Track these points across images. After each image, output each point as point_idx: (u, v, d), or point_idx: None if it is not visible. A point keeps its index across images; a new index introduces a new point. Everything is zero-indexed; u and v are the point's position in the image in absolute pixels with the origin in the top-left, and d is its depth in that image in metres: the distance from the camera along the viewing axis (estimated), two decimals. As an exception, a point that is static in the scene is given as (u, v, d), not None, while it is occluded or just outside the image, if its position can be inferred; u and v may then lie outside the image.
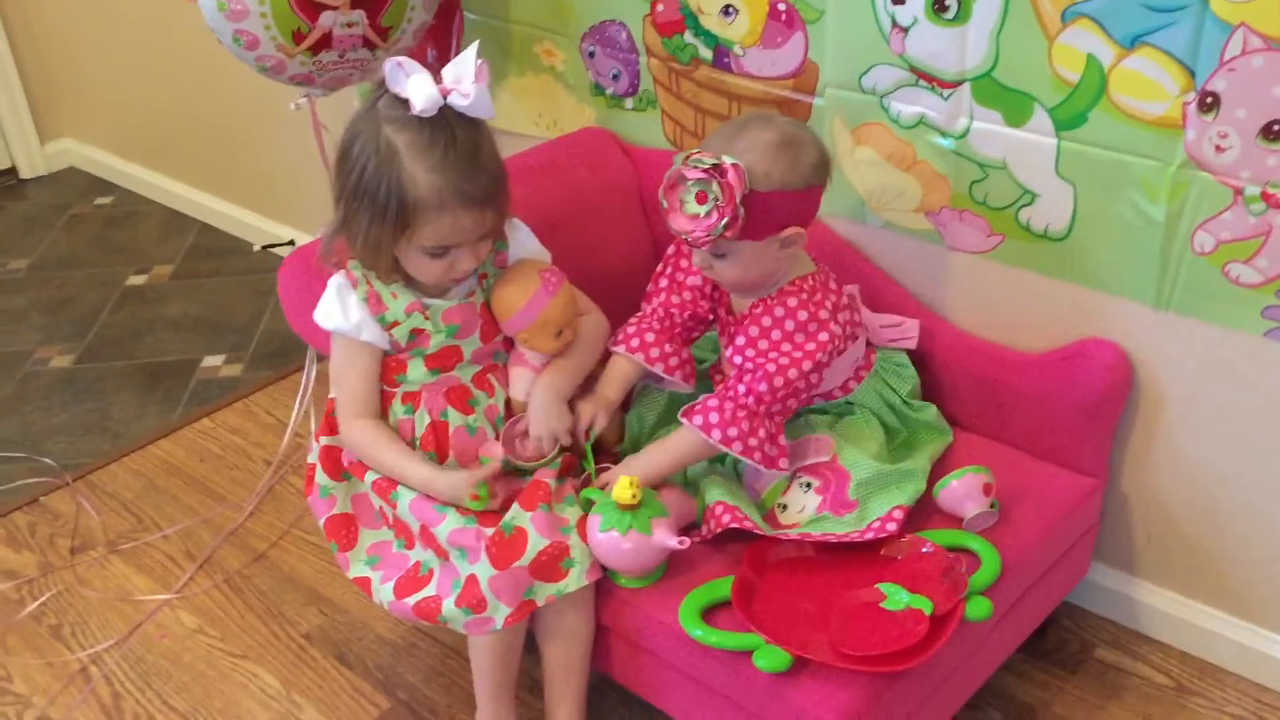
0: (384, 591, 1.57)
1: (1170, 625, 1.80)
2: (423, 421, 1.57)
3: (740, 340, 1.53)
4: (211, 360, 2.67)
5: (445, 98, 1.40)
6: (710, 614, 1.44)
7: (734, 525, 1.49)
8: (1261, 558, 1.67)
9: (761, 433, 1.51)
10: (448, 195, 1.40)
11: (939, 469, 1.62)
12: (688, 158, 1.47)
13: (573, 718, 1.60)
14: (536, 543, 1.46)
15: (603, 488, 1.54)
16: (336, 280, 1.54)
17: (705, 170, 1.44)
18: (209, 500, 2.24)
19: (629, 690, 1.61)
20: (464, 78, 1.41)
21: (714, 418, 1.51)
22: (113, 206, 3.42)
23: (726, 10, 1.81)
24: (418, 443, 1.56)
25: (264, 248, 2.98)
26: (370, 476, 1.57)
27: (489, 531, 1.47)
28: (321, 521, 1.63)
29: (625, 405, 1.74)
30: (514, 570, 1.45)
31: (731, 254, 1.51)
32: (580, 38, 2.03)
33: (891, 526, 1.48)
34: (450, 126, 1.41)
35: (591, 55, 2.03)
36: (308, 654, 1.90)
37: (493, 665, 1.59)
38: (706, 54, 1.87)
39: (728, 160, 1.44)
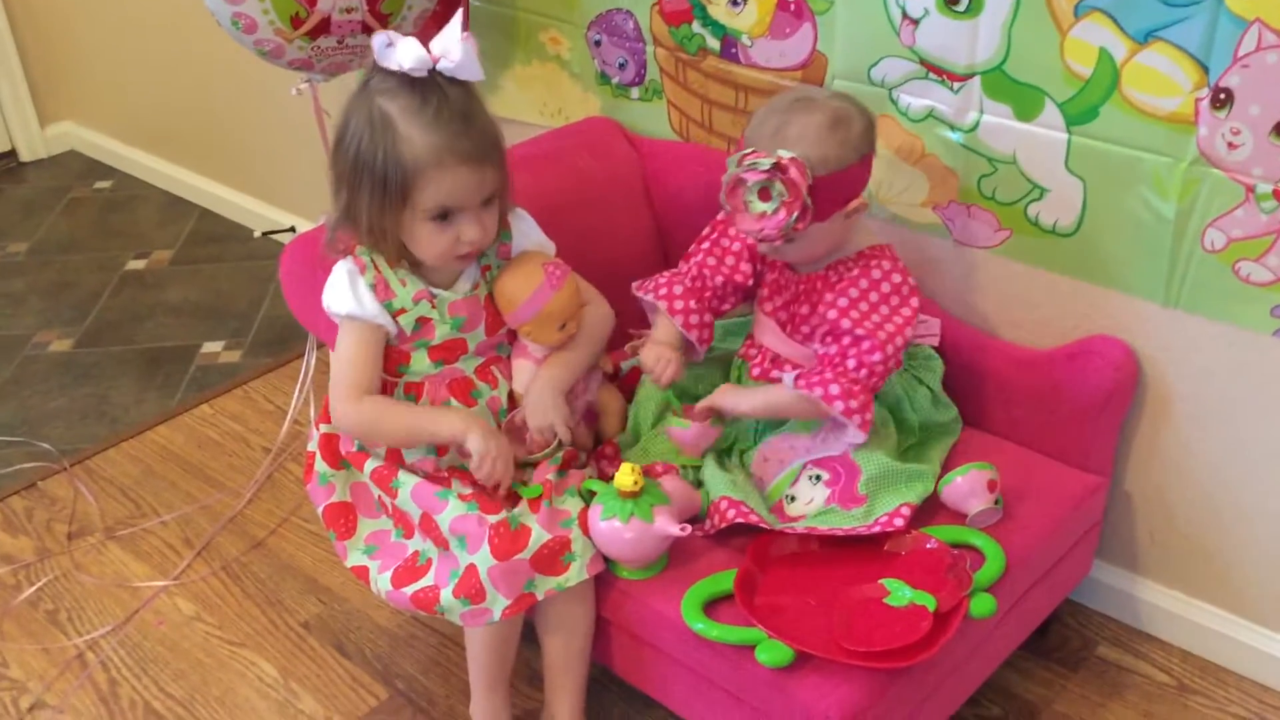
0: (382, 581, 1.56)
1: (1173, 624, 1.79)
2: None
3: (843, 301, 1.53)
4: (211, 346, 2.66)
5: (435, 65, 1.40)
6: (713, 607, 1.44)
7: (739, 520, 1.48)
8: (1265, 558, 1.66)
9: (864, 399, 1.52)
10: (445, 152, 1.40)
11: (944, 465, 1.61)
12: (742, 159, 1.46)
13: (573, 710, 1.59)
14: (539, 536, 1.45)
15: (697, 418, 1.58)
16: (345, 265, 1.52)
17: (765, 171, 1.44)
18: (207, 487, 2.23)
19: (629, 683, 1.60)
20: (451, 45, 1.40)
21: (834, 389, 1.50)
22: (112, 190, 3.41)
23: (735, 0, 1.80)
24: (415, 438, 1.55)
25: (264, 234, 2.96)
26: (370, 466, 1.56)
27: (491, 520, 1.46)
28: (320, 509, 1.62)
29: (627, 396, 1.73)
30: (514, 562, 1.44)
31: (800, 237, 1.51)
32: (586, 26, 2.01)
33: (899, 522, 1.47)
34: (441, 88, 1.41)
35: (598, 44, 2.02)
36: (306, 643, 1.89)
37: (488, 656, 1.58)
38: (714, 44, 1.86)
39: (785, 155, 1.44)
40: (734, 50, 1.84)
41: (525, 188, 1.71)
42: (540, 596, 1.47)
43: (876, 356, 1.50)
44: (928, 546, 1.46)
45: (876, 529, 1.47)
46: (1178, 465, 1.68)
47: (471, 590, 1.45)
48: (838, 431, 1.56)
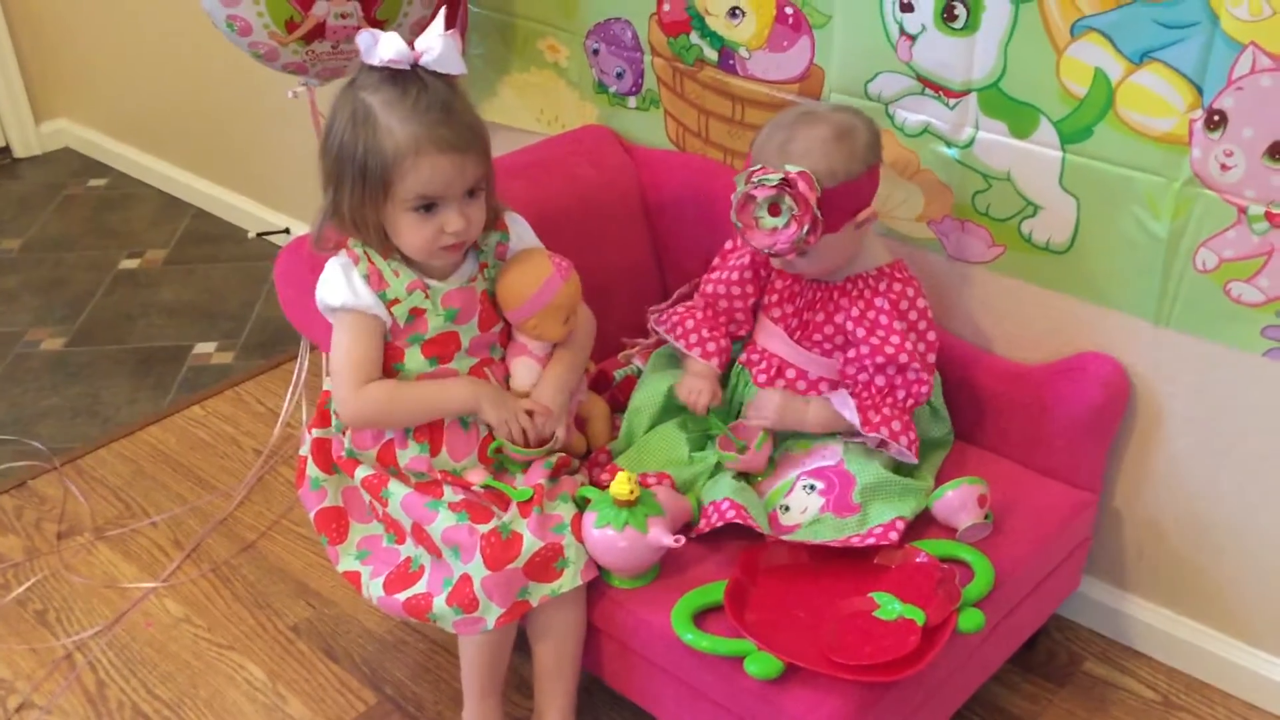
0: (373, 586, 1.56)
1: (1159, 640, 1.80)
2: None
3: (895, 338, 1.55)
4: (204, 347, 2.66)
5: (417, 60, 1.42)
6: (703, 618, 1.44)
7: (737, 520, 1.49)
8: (1253, 576, 1.67)
9: (915, 431, 1.58)
10: (424, 141, 1.40)
11: (935, 479, 1.62)
12: (749, 176, 1.48)
13: (563, 717, 1.59)
14: (531, 544, 1.46)
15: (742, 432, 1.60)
16: (338, 259, 1.52)
17: (773, 187, 1.45)
18: (198, 488, 2.23)
19: (619, 693, 1.60)
20: (433, 39, 1.42)
21: (896, 425, 1.55)
22: (107, 188, 3.40)
23: (733, 12, 1.81)
24: (410, 433, 1.55)
25: (259, 235, 2.97)
26: (360, 473, 1.56)
27: (482, 529, 1.46)
28: (312, 514, 1.62)
29: (618, 405, 1.74)
30: (508, 571, 1.44)
31: (812, 251, 1.53)
32: (585, 34, 2.02)
33: (893, 536, 1.48)
34: (422, 80, 1.42)
35: (595, 53, 2.03)
36: (295, 646, 1.89)
37: (482, 664, 1.58)
38: (712, 55, 1.87)
39: (793, 170, 1.45)
40: (732, 62, 1.85)
41: (521, 195, 1.72)
42: (534, 603, 1.47)
43: (925, 389, 1.57)
44: (917, 560, 1.47)
45: (871, 540, 1.48)
46: (1167, 483, 1.69)
47: (465, 599, 1.45)
48: (833, 446, 1.58)
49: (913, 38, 1.61)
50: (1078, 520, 1.66)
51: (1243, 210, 1.44)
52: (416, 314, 1.52)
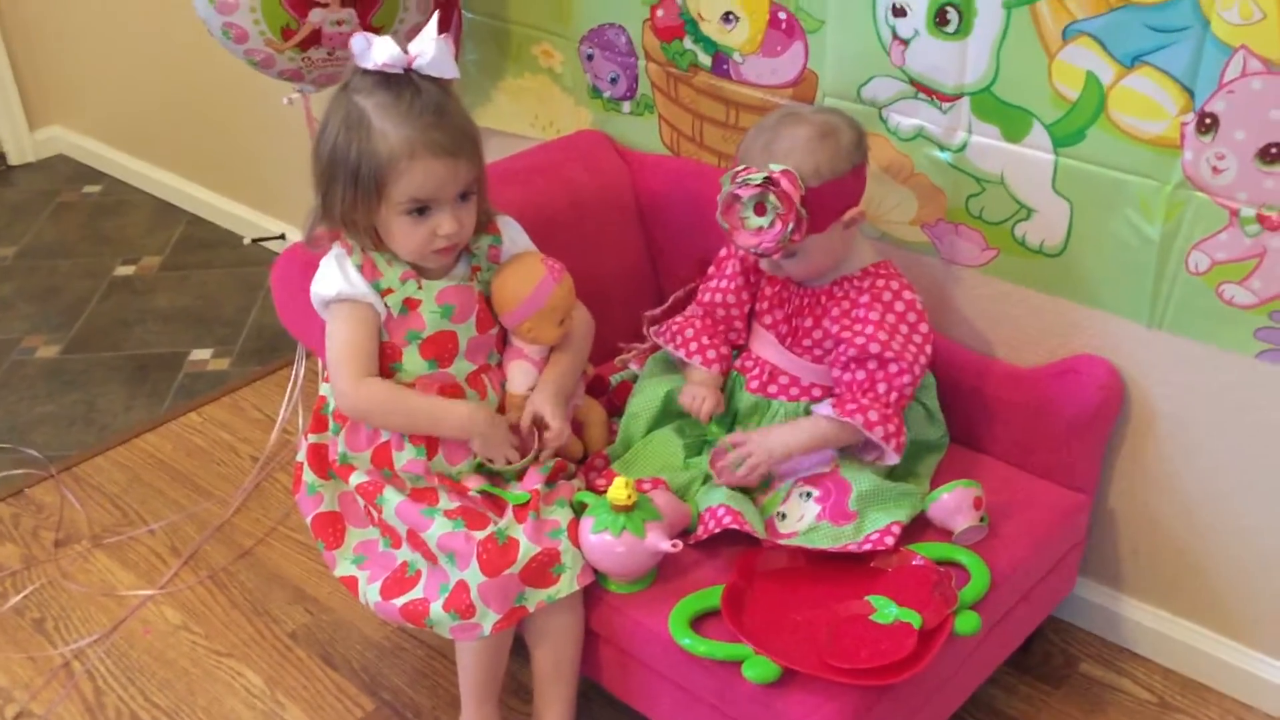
0: (371, 592, 1.56)
1: (1155, 641, 1.80)
2: None
3: (868, 328, 1.54)
4: (199, 353, 2.66)
5: (411, 64, 1.43)
6: (700, 623, 1.44)
7: (734, 526, 1.49)
8: (1247, 576, 1.67)
9: (898, 422, 1.55)
10: (417, 144, 1.41)
11: (930, 481, 1.63)
12: (734, 176, 1.49)
13: (561, 721, 1.60)
14: (528, 550, 1.46)
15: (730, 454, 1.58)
16: (332, 252, 1.53)
17: (758, 186, 1.46)
18: (195, 495, 2.23)
19: (616, 697, 1.60)
20: (426, 43, 1.43)
21: (873, 415, 1.53)
22: (102, 195, 3.40)
23: (727, 17, 1.81)
24: (407, 436, 1.55)
25: (254, 241, 2.97)
26: (355, 479, 1.56)
27: (478, 535, 1.46)
28: (309, 519, 1.62)
29: (617, 410, 1.74)
30: (504, 577, 1.45)
31: (801, 251, 1.54)
32: (579, 40, 2.03)
33: (889, 540, 1.48)
34: (415, 84, 1.43)
35: (590, 58, 2.03)
36: (293, 653, 1.89)
37: (479, 669, 1.59)
38: (705, 60, 1.87)
39: (776, 169, 1.46)
40: (725, 67, 1.85)
41: (516, 199, 1.73)
42: (531, 609, 1.47)
43: (906, 379, 1.54)
44: (913, 563, 1.47)
45: (868, 547, 1.48)
46: (1161, 484, 1.70)
47: (462, 605, 1.46)
48: (828, 452, 1.58)
49: (905, 42, 1.62)
50: (1073, 522, 1.67)
51: (1234, 213, 1.45)
52: (410, 305, 1.52)
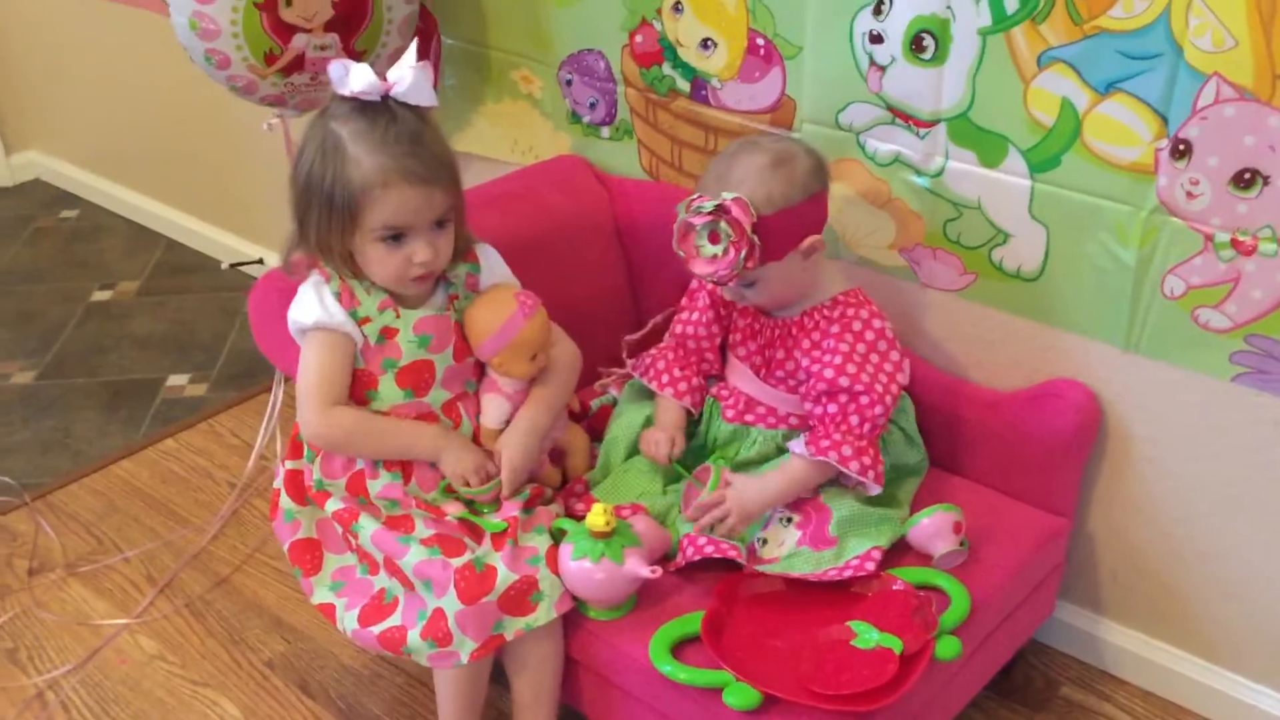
0: (348, 619, 1.55)
1: (1135, 664, 1.81)
2: None
3: (836, 359, 1.54)
4: (176, 379, 2.64)
5: (388, 91, 1.43)
6: (680, 649, 1.44)
7: (716, 555, 1.49)
8: (1225, 600, 1.68)
9: (874, 453, 1.54)
10: (391, 172, 1.41)
11: (910, 506, 1.63)
12: (689, 205, 1.49)
13: (541, 750, 1.59)
14: (506, 577, 1.45)
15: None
16: (310, 280, 1.53)
17: (710, 213, 1.46)
18: (171, 523, 2.21)
19: (596, 724, 1.60)
20: (404, 71, 1.43)
21: (846, 450, 1.52)
22: (78, 220, 3.38)
23: (705, 43, 1.82)
24: (380, 463, 1.55)
25: (232, 265, 2.95)
26: (331, 506, 1.55)
27: (455, 563, 1.45)
28: (286, 546, 1.61)
29: (597, 435, 1.74)
30: (482, 605, 1.44)
31: (760, 280, 1.54)
32: (558, 66, 2.03)
33: (870, 566, 1.48)
34: (392, 111, 1.43)
35: (569, 83, 2.04)
36: (270, 682, 1.88)
37: (458, 697, 1.58)
38: (684, 86, 1.88)
39: (728, 197, 1.46)
40: (704, 92, 1.86)
41: (495, 225, 1.73)
42: (509, 637, 1.46)
43: (878, 410, 1.53)
44: (894, 588, 1.47)
45: (848, 573, 1.48)
46: (1139, 507, 1.70)
47: (439, 633, 1.45)
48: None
49: (882, 69, 1.63)
50: (1052, 545, 1.67)
51: (1209, 238, 1.46)
52: (388, 335, 1.52)
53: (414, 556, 1.48)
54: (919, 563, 1.55)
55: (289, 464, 1.61)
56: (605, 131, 2.03)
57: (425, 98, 1.45)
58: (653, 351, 1.73)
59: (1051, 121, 1.52)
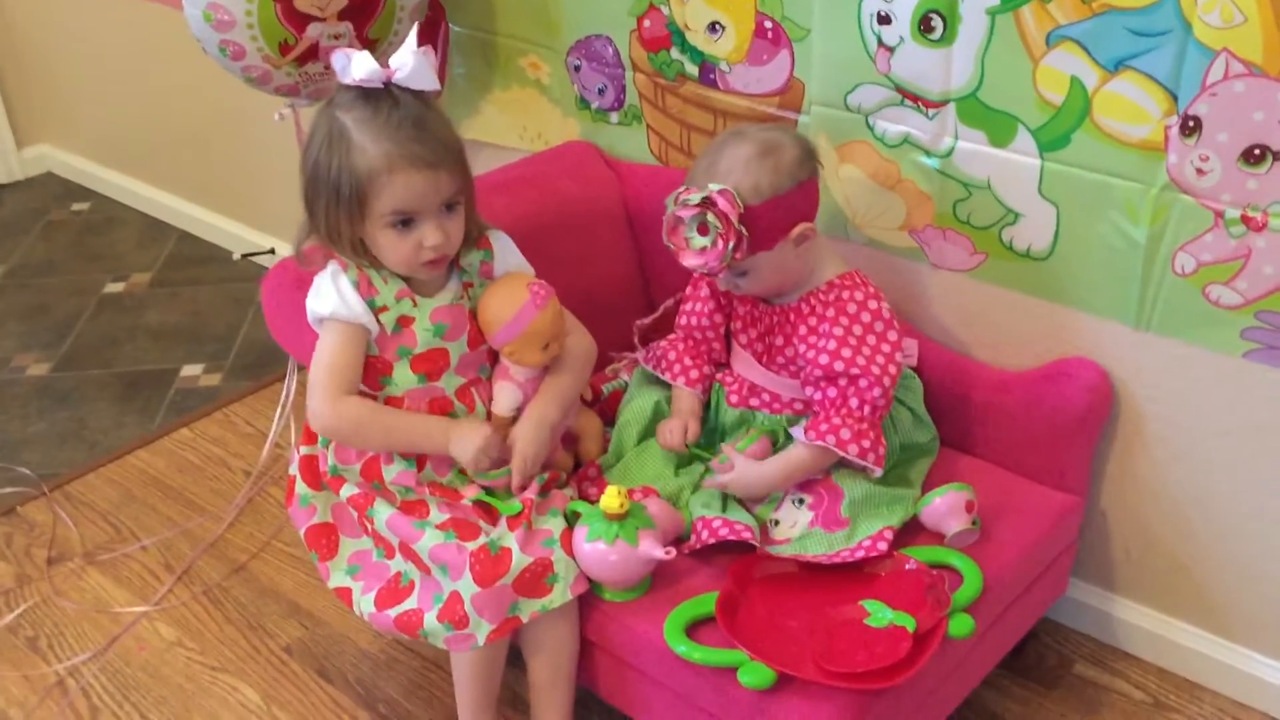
0: (365, 603, 1.56)
1: (1148, 641, 1.81)
2: None
3: (830, 344, 1.54)
4: (190, 369, 2.66)
5: (391, 77, 1.44)
6: (695, 629, 1.45)
7: (731, 537, 1.50)
8: (1239, 575, 1.68)
9: (874, 435, 1.54)
10: (396, 158, 1.42)
11: (922, 485, 1.63)
12: (677, 198, 1.50)
13: (558, 731, 1.60)
14: (520, 560, 1.46)
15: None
16: (328, 269, 1.54)
17: (696, 206, 1.47)
18: (188, 511, 2.23)
19: (613, 706, 1.60)
20: (405, 56, 1.44)
21: (845, 434, 1.52)
22: (90, 213, 3.40)
23: (713, 27, 1.82)
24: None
25: (244, 256, 2.97)
26: (346, 491, 1.56)
27: (470, 547, 1.47)
28: (302, 531, 1.62)
29: (609, 419, 1.75)
30: (498, 588, 1.45)
31: (752, 269, 1.54)
32: (566, 51, 2.03)
33: (882, 546, 1.49)
34: (395, 98, 1.44)
35: (577, 69, 2.04)
36: (288, 667, 1.89)
37: (475, 680, 1.59)
38: (693, 70, 1.88)
39: (714, 188, 1.46)
40: (712, 76, 1.86)
41: (505, 211, 1.73)
42: (525, 619, 1.48)
43: (876, 392, 1.53)
44: (907, 567, 1.48)
45: (860, 554, 1.49)
46: (1151, 484, 1.71)
47: (455, 616, 1.46)
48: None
49: (891, 49, 1.63)
50: (1065, 523, 1.68)
51: (1219, 214, 1.46)
52: (404, 323, 1.53)
53: (429, 540, 1.49)
54: (932, 542, 1.55)
55: (304, 449, 1.62)
56: (614, 117, 2.04)
57: (428, 82, 1.45)
58: (662, 343, 1.74)
59: (1061, 100, 1.52)
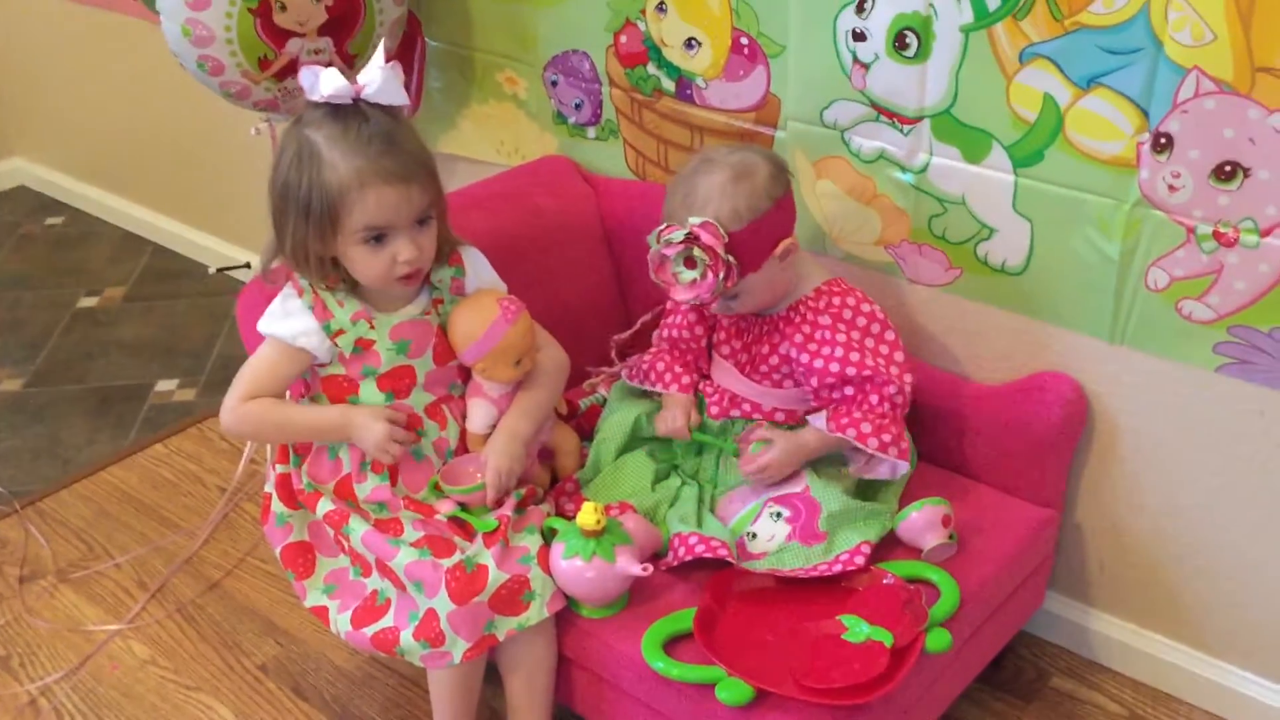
0: (341, 621, 1.55)
1: (1124, 654, 1.82)
2: None
3: (837, 351, 1.55)
4: (165, 385, 2.64)
5: (359, 94, 1.44)
6: (673, 646, 1.44)
7: (707, 554, 1.50)
8: (1214, 588, 1.69)
9: (896, 430, 1.56)
10: (366, 173, 1.42)
11: (899, 500, 1.64)
12: (659, 236, 1.51)
13: (535, 749, 1.59)
14: (497, 577, 1.46)
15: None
16: (284, 291, 1.54)
17: (681, 242, 1.47)
18: (162, 528, 2.21)
19: (590, 722, 1.60)
20: (373, 72, 1.44)
21: (866, 428, 1.54)
22: (64, 226, 3.38)
23: (689, 43, 1.83)
24: (368, 465, 1.55)
25: (219, 270, 2.95)
26: (322, 508, 1.56)
27: (446, 564, 1.46)
28: (278, 550, 1.61)
29: (586, 434, 1.74)
30: (473, 605, 1.44)
31: (743, 292, 1.55)
32: (543, 66, 2.04)
33: (859, 560, 1.49)
34: (364, 113, 1.44)
35: (554, 84, 2.04)
36: (263, 685, 1.88)
37: (451, 698, 1.58)
38: (669, 85, 1.89)
39: (696, 222, 1.47)
40: (689, 91, 1.87)
41: (482, 226, 1.73)
42: (501, 637, 1.47)
43: (891, 389, 1.55)
44: (884, 582, 1.48)
45: (838, 568, 1.49)
46: (1127, 498, 1.72)
47: (431, 634, 1.45)
48: (800, 473, 1.59)
49: (866, 66, 1.64)
50: (1041, 537, 1.68)
51: (1191, 230, 1.47)
52: (364, 345, 1.53)
53: (404, 557, 1.48)
54: (909, 556, 1.55)
55: (279, 468, 1.61)
56: (591, 132, 2.04)
57: (396, 97, 1.45)
58: (646, 356, 1.74)
59: (1034, 117, 1.53)
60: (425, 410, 1.57)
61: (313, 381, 1.58)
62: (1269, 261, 1.43)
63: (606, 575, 1.46)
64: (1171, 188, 1.46)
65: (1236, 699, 1.73)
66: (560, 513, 1.61)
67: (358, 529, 1.53)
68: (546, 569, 1.50)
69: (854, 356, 1.55)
